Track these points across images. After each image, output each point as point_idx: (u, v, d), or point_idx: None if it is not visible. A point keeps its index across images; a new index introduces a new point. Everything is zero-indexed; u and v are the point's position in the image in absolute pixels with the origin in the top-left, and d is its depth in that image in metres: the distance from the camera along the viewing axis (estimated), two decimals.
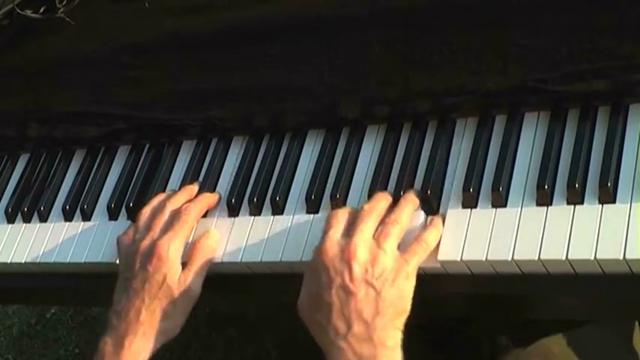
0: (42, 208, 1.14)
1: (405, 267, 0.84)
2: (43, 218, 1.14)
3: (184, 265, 0.96)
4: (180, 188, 1.05)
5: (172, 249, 0.95)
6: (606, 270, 0.80)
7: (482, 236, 0.84)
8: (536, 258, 0.81)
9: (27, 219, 1.15)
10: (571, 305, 0.88)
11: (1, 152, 1.25)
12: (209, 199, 1.02)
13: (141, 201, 1.07)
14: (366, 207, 0.88)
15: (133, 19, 1.18)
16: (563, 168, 0.85)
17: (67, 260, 1.07)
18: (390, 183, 0.94)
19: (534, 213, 0.84)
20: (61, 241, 1.09)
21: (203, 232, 0.98)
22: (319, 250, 0.86)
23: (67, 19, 1.20)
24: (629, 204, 0.80)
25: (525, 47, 0.90)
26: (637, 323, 1.11)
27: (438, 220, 0.87)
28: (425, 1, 0.97)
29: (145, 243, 0.97)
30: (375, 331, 0.81)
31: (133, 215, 1.07)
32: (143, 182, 1.09)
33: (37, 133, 1.20)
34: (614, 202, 0.81)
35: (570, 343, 1.05)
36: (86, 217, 1.10)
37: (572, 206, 0.83)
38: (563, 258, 0.80)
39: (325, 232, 0.87)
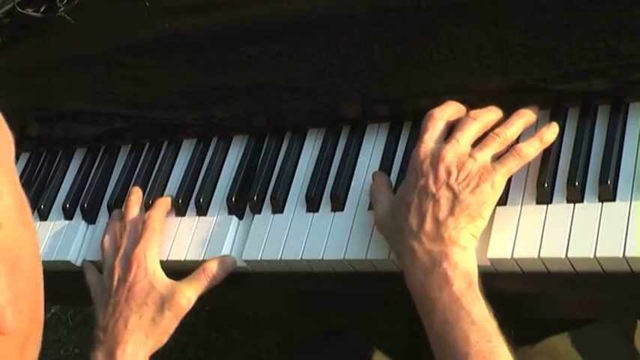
0: (42, 207, 1.14)
1: (491, 174, 0.82)
2: (44, 217, 1.14)
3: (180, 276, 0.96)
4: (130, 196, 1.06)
5: (149, 256, 0.97)
6: (606, 268, 0.80)
7: (482, 234, 0.84)
8: (536, 256, 0.81)
9: None
10: (571, 304, 0.88)
11: None
12: (165, 203, 1.03)
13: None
14: (472, 113, 0.87)
15: (133, 18, 1.18)
16: (563, 166, 0.85)
17: (67, 259, 1.07)
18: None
19: (534, 211, 0.84)
20: (61, 239, 1.09)
21: (223, 257, 0.97)
22: (412, 155, 0.86)
23: (68, 18, 1.20)
24: (628, 202, 0.80)
25: (525, 47, 0.90)
26: (639, 322, 1.11)
27: (544, 130, 0.85)
28: (425, 1, 0.97)
29: (119, 259, 0.98)
30: (446, 230, 0.81)
31: None
32: (143, 181, 1.09)
33: (37, 132, 1.21)
34: (613, 200, 0.81)
35: (576, 342, 1.05)
36: (86, 215, 1.10)
37: (572, 204, 0.83)
38: (563, 256, 0.80)
39: (420, 136, 0.87)
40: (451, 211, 0.81)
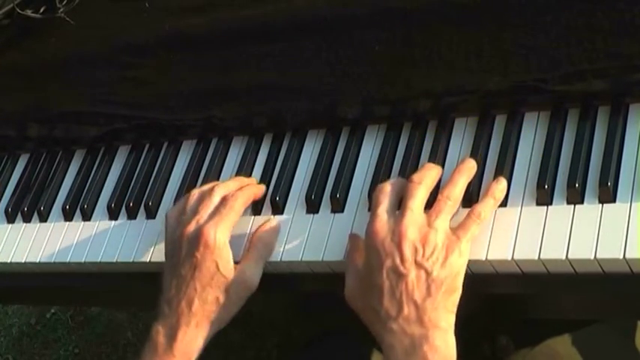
0: (42, 208, 1.14)
1: (457, 244, 0.82)
2: (43, 218, 1.14)
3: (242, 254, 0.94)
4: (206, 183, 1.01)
5: (219, 235, 0.92)
6: (606, 269, 0.80)
7: (483, 236, 0.84)
8: (537, 257, 0.81)
9: (27, 219, 1.15)
10: (571, 305, 0.88)
11: (1, 152, 1.25)
12: (257, 189, 0.99)
13: (141, 201, 1.07)
14: (415, 178, 0.86)
15: (133, 19, 1.18)
16: (563, 168, 0.85)
17: (67, 260, 1.07)
18: None
19: (534, 212, 0.84)
20: (61, 240, 1.09)
21: (263, 223, 0.96)
22: (369, 231, 0.84)
23: (67, 19, 1.20)
24: (629, 203, 0.80)
25: (525, 47, 0.90)
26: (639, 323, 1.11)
27: (494, 188, 0.85)
28: (425, 1, 0.97)
29: (191, 227, 0.93)
30: (425, 313, 0.80)
31: (133, 215, 1.07)
32: (143, 182, 1.09)
33: (37, 133, 1.21)
34: (614, 201, 0.81)
35: (576, 343, 1.06)
36: (86, 216, 1.10)
37: (572, 206, 0.83)
38: (564, 257, 0.80)
39: (373, 209, 0.86)
40: (427, 292, 0.80)
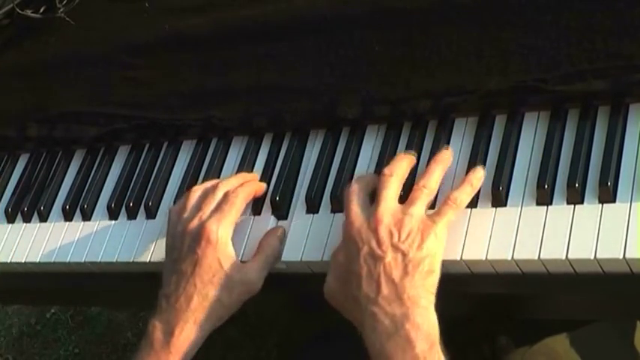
0: (42, 208, 1.14)
1: (432, 228, 0.82)
2: (43, 218, 1.14)
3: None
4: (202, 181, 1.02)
5: (222, 231, 0.92)
6: (606, 269, 0.80)
7: (482, 235, 0.84)
8: (536, 257, 0.81)
9: (27, 219, 1.15)
10: (571, 305, 0.88)
11: (1, 152, 1.25)
12: (258, 186, 0.99)
13: (141, 201, 1.07)
14: (387, 170, 0.87)
15: (133, 19, 1.18)
16: (563, 168, 0.85)
17: (67, 260, 1.07)
18: None
19: (534, 212, 0.84)
20: (61, 240, 1.09)
21: (273, 229, 0.96)
22: (345, 224, 0.86)
23: (67, 19, 1.20)
24: (629, 203, 0.80)
25: (525, 47, 0.90)
26: (638, 323, 1.11)
27: (472, 176, 0.86)
28: (425, 1, 0.97)
29: (193, 224, 0.93)
30: (404, 291, 0.80)
31: (133, 215, 1.07)
32: (143, 182, 1.09)
33: (37, 133, 1.20)
34: (614, 201, 0.81)
35: (574, 342, 1.06)
36: (86, 216, 1.10)
37: (572, 206, 0.83)
38: (563, 257, 0.80)
39: (346, 207, 0.87)
40: (405, 271, 0.81)
